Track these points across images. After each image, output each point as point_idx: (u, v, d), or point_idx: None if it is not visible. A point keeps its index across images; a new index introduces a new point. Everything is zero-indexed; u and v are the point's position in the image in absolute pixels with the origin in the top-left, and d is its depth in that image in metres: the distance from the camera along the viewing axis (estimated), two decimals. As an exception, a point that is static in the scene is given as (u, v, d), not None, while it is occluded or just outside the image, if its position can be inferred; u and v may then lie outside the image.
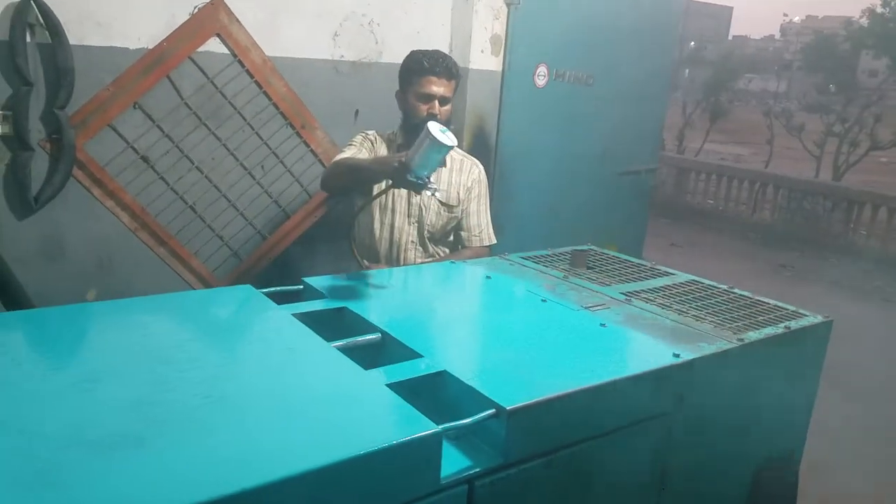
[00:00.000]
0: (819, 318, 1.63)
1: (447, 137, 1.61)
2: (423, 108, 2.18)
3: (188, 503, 0.81)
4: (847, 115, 9.91)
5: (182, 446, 0.93)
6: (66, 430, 0.95)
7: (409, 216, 2.27)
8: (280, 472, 0.88)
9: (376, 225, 2.28)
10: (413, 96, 2.20)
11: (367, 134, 2.29)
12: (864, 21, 13.53)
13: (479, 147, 3.10)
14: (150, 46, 2.43)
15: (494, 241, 2.40)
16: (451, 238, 2.39)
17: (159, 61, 2.46)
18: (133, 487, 0.83)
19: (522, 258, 2.04)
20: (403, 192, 2.23)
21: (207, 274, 2.69)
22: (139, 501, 0.81)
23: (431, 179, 1.67)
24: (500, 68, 3.11)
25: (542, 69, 3.19)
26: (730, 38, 43.07)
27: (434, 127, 1.61)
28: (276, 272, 2.81)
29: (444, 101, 2.19)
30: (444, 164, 2.26)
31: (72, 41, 2.25)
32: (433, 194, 1.72)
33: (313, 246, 2.87)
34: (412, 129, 2.18)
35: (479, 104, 3.11)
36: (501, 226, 3.21)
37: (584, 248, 2.15)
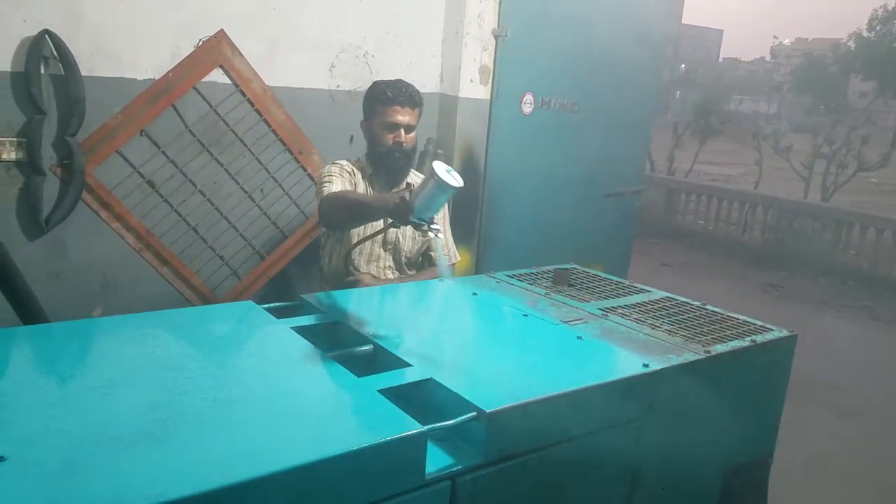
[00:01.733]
0: (784, 332, 1.75)
1: (453, 178, 1.53)
2: (389, 136, 2.24)
3: (198, 492, 0.92)
4: (835, 136, 10.11)
5: (194, 443, 1.05)
6: (88, 428, 1.06)
7: (385, 244, 2.35)
8: (278, 465, 0.99)
9: (353, 254, 2.31)
10: (378, 126, 2.26)
11: (341, 165, 2.31)
12: (852, 44, 13.83)
13: (469, 172, 3.24)
14: (157, 77, 2.56)
15: (458, 258, 2.51)
16: (421, 258, 2.48)
17: (165, 91, 2.59)
18: (150, 479, 0.94)
19: (508, 276, 2.16)
20: (379, 221, 2.18)
21: (208, 292, 2.80)
22: (155, 491, 0.92)
23: (435, 219, 1.62)
24: (488, 97, 3.25)
25: (529, 97, 3.34)
26: (720, 60, 43.73)
27: (440, 168, 1.54)
28: (273, 290, 2.93)
29: (409, 129, 2.26)
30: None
31: (83, 72, 2.38)
32: (436, 235, 1.63)
33: (310, 265, 2.98)
34: (378, 157, 2.30)
35: (468, 131, 3.26)
36: (488, 245, 3.36)
37: (567, 266, 2.27)
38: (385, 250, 2.36)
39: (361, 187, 2.34)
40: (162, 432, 1.07)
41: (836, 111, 12.21)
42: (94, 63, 2.43)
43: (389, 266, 2.38)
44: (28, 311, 1.70)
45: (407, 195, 1.66)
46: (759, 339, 1.68)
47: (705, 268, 7.78)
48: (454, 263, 2.51)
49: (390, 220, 1.77)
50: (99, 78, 2.44)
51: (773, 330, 1.75)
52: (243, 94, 2.75)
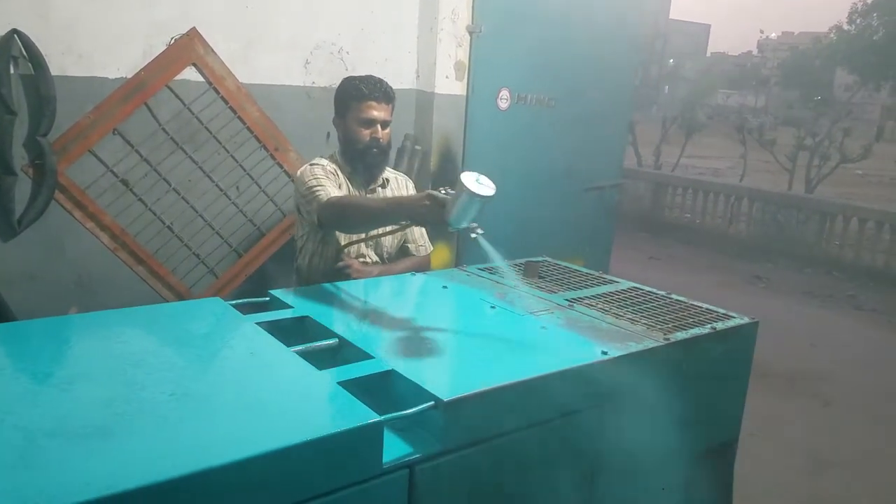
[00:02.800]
0: (746, 319, 1.78)
1: (484, 187, 1.51)
2: (366, 132, 2.22)
3: (148, 483, 0.93)
4: (818, 129, 10.19)
5: (147, 435, 1.06)
6: (45, 423, 1.07)
7: (367, 238, 2.33)
8: (231, 456, 1.00)
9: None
10: (354, 122, 2.23)
11: (323, 165, 2.26)
12: (833, 37, 13.93)
13: (446, 168, 3.25)
14: (129, 76, 2.56)
15: (432, 249, 2.54)
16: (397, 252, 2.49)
17: (138, 90, 2.59)
18: (101, 471, 0.95)
19: (479, 269, 2.18)
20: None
21: (185, 290, 2.80)
22: (105, 483, 0.92)
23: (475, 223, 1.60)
24: (464, 92, 3.27)
25: (505, 93, 3.35)
26: (708, 55, 43.88)
27: (468, 179, 1.51)
28: (251, 288, 2.93)
29: (384, 124, 2.24)
30: (383, 186, 2.34)
31: (54, 72, 2.38)
32: (478, 237, 1.63)
33: (287, 263, 2.98)
34: (355, 154, 2.27)
35: (444, 127, 3.27)
36: (470, 242, 3.36)
37: (539, 259, 2.29)
38: (367, 247, 2.36)
39: (345, 186, 2.30)
40: (117, 426, 1.08)
41: (822, 104, 12.30)
42: (64, 62, 2.42)
43: (373, 261, 2.39)
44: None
45: (438, 194, 1.64)
46: (720, 325, 1.70)
47: (692, 261, 7.84)
48: (427, 255, 2.51)
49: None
50: (70, 77, 2.44)
51: (734, 317, 1.78)
52: (217, 91, 2.75)
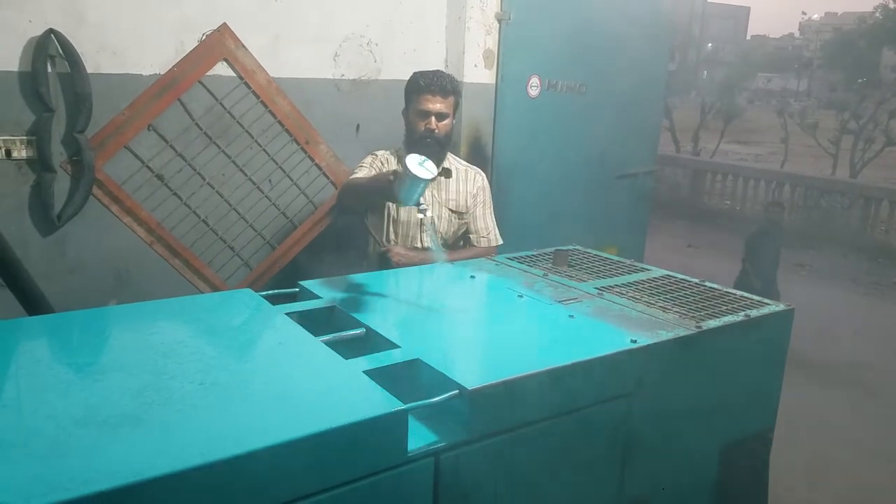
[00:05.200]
0: (781, 307, 1.72)
1: (424, 170, 1.67)
2: (421, 123, 2.36)
3: (174, 470, 0.94)
4: (862, 111, 9.84)
5: (175, 424, 1.07)
6: (77, 412, 1.09)
7: (421, 225, 2.43)
8: (257, 443, 1.01)
9: (391, 238, 2.46)
10: (413, 113, 2.40)
11: (376, 155, 2.48)
12: (879, 15, 13.40)
13: (476, 157, 3.23)
14: (162, 72, 2.61)
15: (501, 242, 2.59)
16: (462, 242, 2.58)
17: (171, 86, 2.63)
18: (129, 457, 0.97)
19: (508, 259, 2.16)
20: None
21: (220, 283, 2.85)
22: (133, 468, 0.93)
23: (422, 201, 1.76)
24: (493, 81, 3.24)
25: (535, 80, 3.31)
26: (748, 38, 42.72)
27: (412, 161, 1.68)
28: (285, 280, 2.96)
29: (440, 116, 2.36)
30: (445, 176, 2.46)
31: (89, 69, 2.43)
32: (424, 216, 1.81)
33: (320, 254, 3.01)
34: (413, 143, 2.41)
35: (474, 116, 3.25)
36: (501, 232, 3.35)
37: (568, 248, 2.26)
38: (423, 232, 2.45)
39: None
40: (146, 414, 1.10)
41: (867, 86, 11.87)
42: (99, 60, 2.48)
43: (427, 248, 2.46)
44: (31, 302, 1.75)
45: (392, 177, 1.81)
46: (754, 313, 1.66)
47: (732, 248, 7.66)
48: (496, 246, 2.58)
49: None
50: (105, 75, 2.49)
51: (769, 304, 1.73)
52: (248, 86, 2.78)
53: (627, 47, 3.59)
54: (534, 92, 3.33)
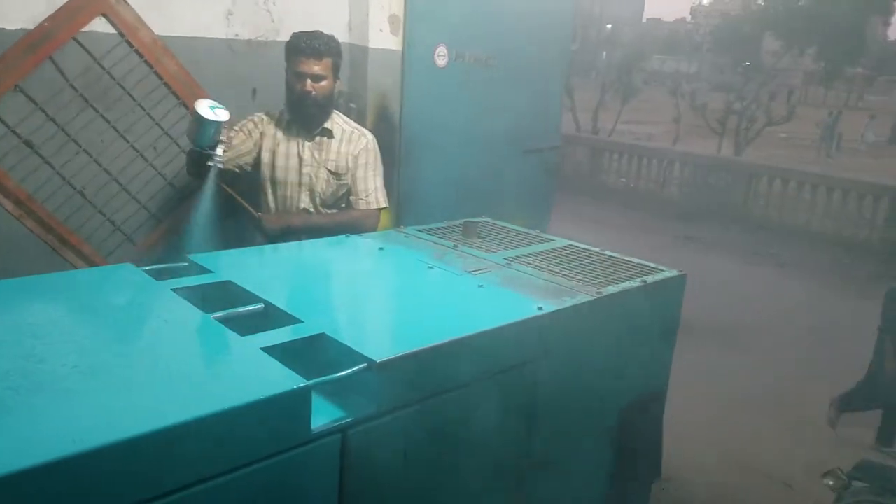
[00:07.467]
0: (674, 273, 1.78)
1: (213, 113, 1.74)
2: (298, 85, 2.33)
3: (42, 461, 0.84)
4: (746, 93, 10.48)
5: (45, 411, 0.96)
6: (-77, 402, 0.95)
7: (300, 185, 2.40)
8: (139, 428, 0.92)
9: (269, 198, 2.42)
10: (290, 75, 2.36)
11: (252, 118, 2.45)
12: (762, 2, 14.27)
13: (383, 125, 3.14)
14: (31, 27, 2.34)
15: (384, 205, 2.52)
16: (343, 204, 2.51)
17: (41, 42, 2.37)
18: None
19: (418, 230, 2.11)
20: (293, 165, 2.39)
21: (100, 260, 2.62)
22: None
23: (218, 152, 1.81)
24: (399, 48, 3.14)
25: (442, 49, 3.25)
26: (644, 20, 44.46)
27: (202, 105, 1.72)
28: (173, 256, 2.76)
29: (316, 78, 2.32)
30: (327, 136, 2.42)
31: (-58, 21, 2.15)
32: (216, 165, 1.85)
33: (213, 227, 2.84)
34: (291, 105, 2.39)
35: (380, 83, 3.14)
36: (408, 202, 3.29)
37: (477, 219, 2.24)
38: (301, 192, 2.41)
39: (269, 136, 2.42)
40: (12, 401, 0.97)
41: (750, 70, 12.64)
42: (-47, 10, 2.19)
43: (306, 208, 2.42)
44: None
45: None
46: (650, 279, 1.71)
47: (629, 223, 8.00)
48: (378, 209, 2.51)
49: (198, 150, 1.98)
50: (-39, 27, 2.20)
51: (663, 270, 1.78)
52: (130, 44, 2.54)
53: (533, 23, 3.59)
54: (441, 62, 3.26)
